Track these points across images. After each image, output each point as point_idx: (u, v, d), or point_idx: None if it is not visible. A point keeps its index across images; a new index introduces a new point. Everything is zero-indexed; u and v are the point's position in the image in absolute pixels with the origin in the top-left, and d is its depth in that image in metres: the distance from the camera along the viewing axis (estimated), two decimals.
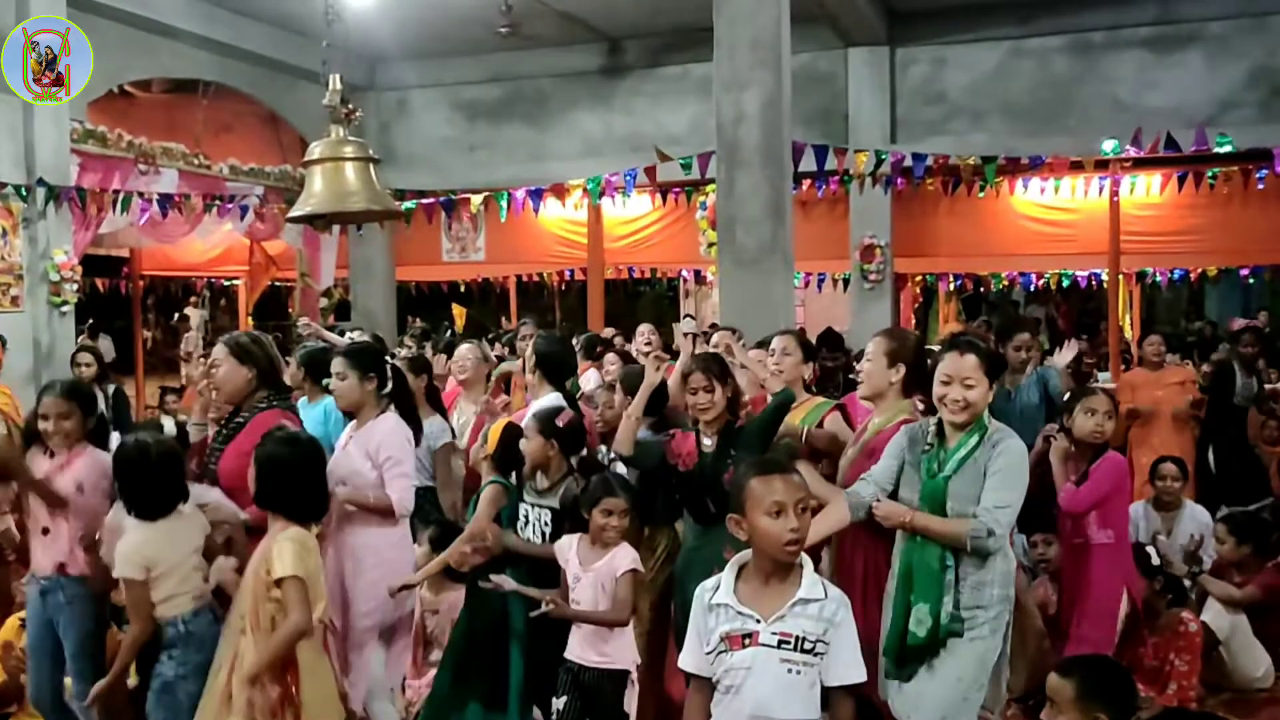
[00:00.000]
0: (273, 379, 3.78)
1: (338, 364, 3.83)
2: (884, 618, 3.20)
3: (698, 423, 3.82)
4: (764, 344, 4.56)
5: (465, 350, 5.25)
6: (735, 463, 3.64)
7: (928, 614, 3.03)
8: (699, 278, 13.14)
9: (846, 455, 3.71)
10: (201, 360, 4.44)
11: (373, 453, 3.68)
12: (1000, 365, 3.37)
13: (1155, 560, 4.39)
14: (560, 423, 3.72)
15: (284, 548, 3.00)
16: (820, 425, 3.96)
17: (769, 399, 3.81)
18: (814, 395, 4.28)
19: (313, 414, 4.77)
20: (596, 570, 3.43)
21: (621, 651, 3.43)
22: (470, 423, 5.05)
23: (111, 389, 6.93)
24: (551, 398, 4.12)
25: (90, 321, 12.42)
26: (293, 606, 2.98)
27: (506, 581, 3.55)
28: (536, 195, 8.17)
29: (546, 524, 3.71)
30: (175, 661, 3.22)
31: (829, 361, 5.96)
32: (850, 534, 3.55)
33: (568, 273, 12.59)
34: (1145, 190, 9.22)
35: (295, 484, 3.12)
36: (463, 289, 13.74)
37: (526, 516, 3.77)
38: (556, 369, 4.30)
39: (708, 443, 3.76)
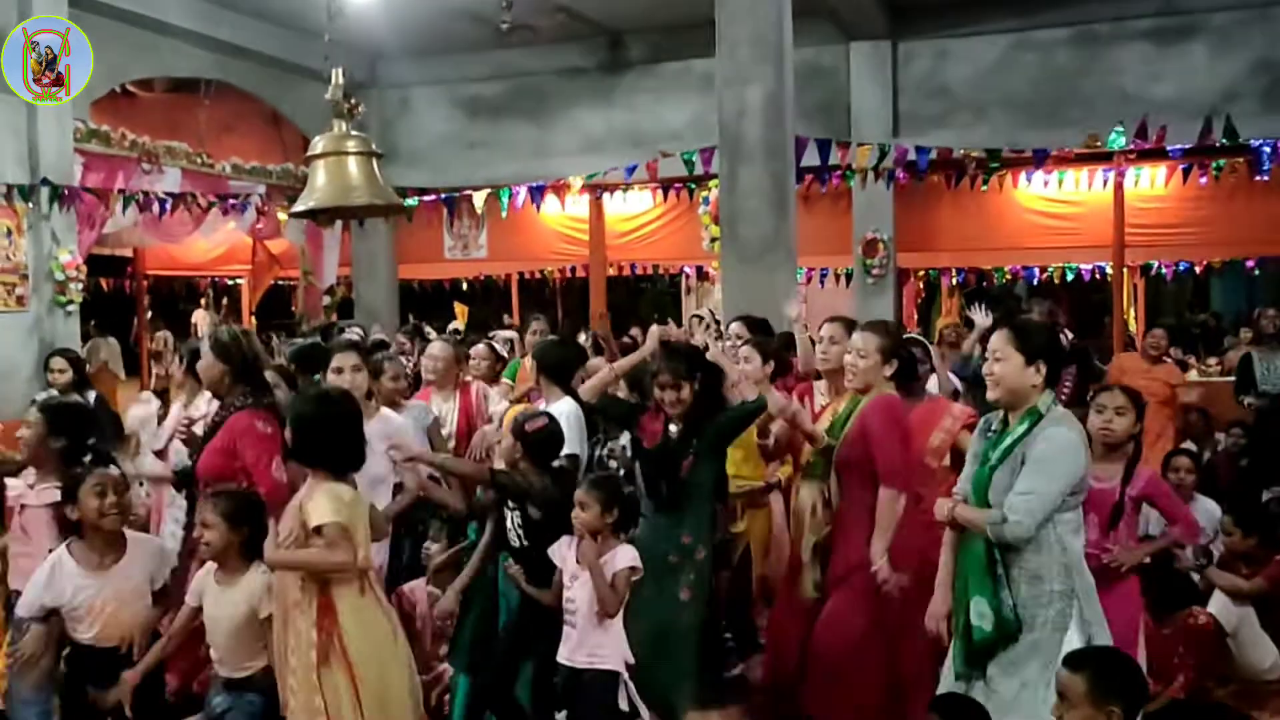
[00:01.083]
0: (250, 376, 3.82)
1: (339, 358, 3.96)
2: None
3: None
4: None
5: (438, 349, 5.20)
6: (696, 454, 3.72)
7: (988, 607, 2.90)
8: (701, 274, 13.13)
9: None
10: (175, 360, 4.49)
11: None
12: (1048, 342, 3.07)
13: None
14: (529, 429, 3.69)
15: (318, 500, 3.03)
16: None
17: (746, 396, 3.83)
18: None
19: None
20: (593, 571, 3.40)
21: (610, 650, 3.38)
22: (451, 414, 5.05)
23: (92, 395, 6.42)
24: (564, 404, 4.14)
25: (93, 321, 12.41)
26: (333, 545, 2.98)
27: (518, 573, 3.57)
28: (538, 192, 8.18)
29: (519, 525, 3.67)
30: None
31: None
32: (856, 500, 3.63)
33: (570, 270, 12.59)
34: (1150, 182, 9.19)
35: (330, 439, 3.15)
36: (465, 286, 13.74)
37: (508, 519, 3.73)
38: (560, 371, 4.31)
39: (674, 429, 3.80)
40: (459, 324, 9.87)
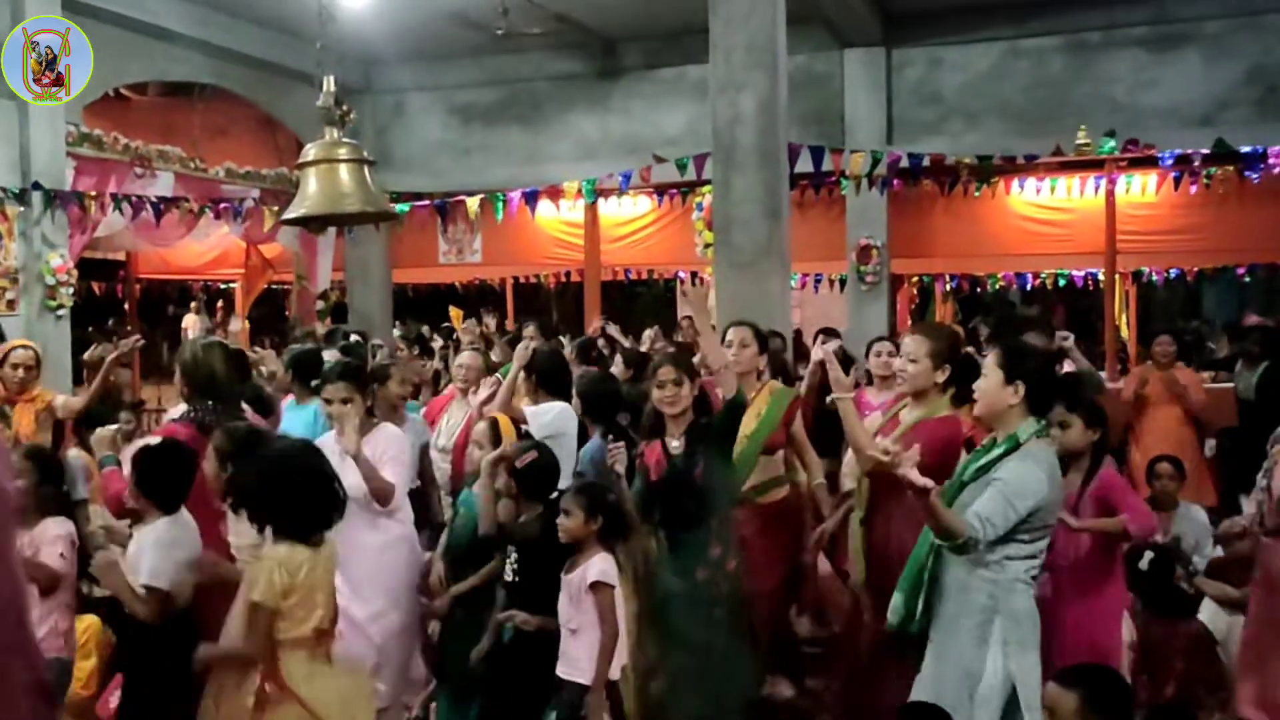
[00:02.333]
0: (206, 391, 3.83)
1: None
2: None
3: (660, 430, 3.80)
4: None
5: (468, 358, 5.27)
6: (705, 458, 3.68)
7: (901, 604, 3.06)
8: (695, 279, 13.14)
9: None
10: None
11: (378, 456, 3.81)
12: (1035, 368, 3.08)
13: (1144, 564, 4.35)
14: (519, 465, 3.64)
15: (255, 571, 2.89)
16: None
17: (722, 398, 3.80)
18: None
19: (301, 416, 4.79)
20: (568, 580, 3.39)
21: (583, 662, 3.35)
22: (460, 424, 5.05)
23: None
24: (554, 405, 4.13)
25: (91, 328, 12.39)
26: (244, 632, 2.87)
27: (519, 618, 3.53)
28: (532, 197, 8.17)
29: (514, 562, 3.63)
30: None
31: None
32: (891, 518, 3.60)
33: (564, 274, 12.60)
34: (1141, 189, 9.24)
35: (282, 498, 2.91)
36: (460, 291, 13.74)
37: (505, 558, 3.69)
38: (553, 380, 4.33)
39: (675, 444, 3.74)
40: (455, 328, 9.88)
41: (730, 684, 3.60)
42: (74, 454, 5.08)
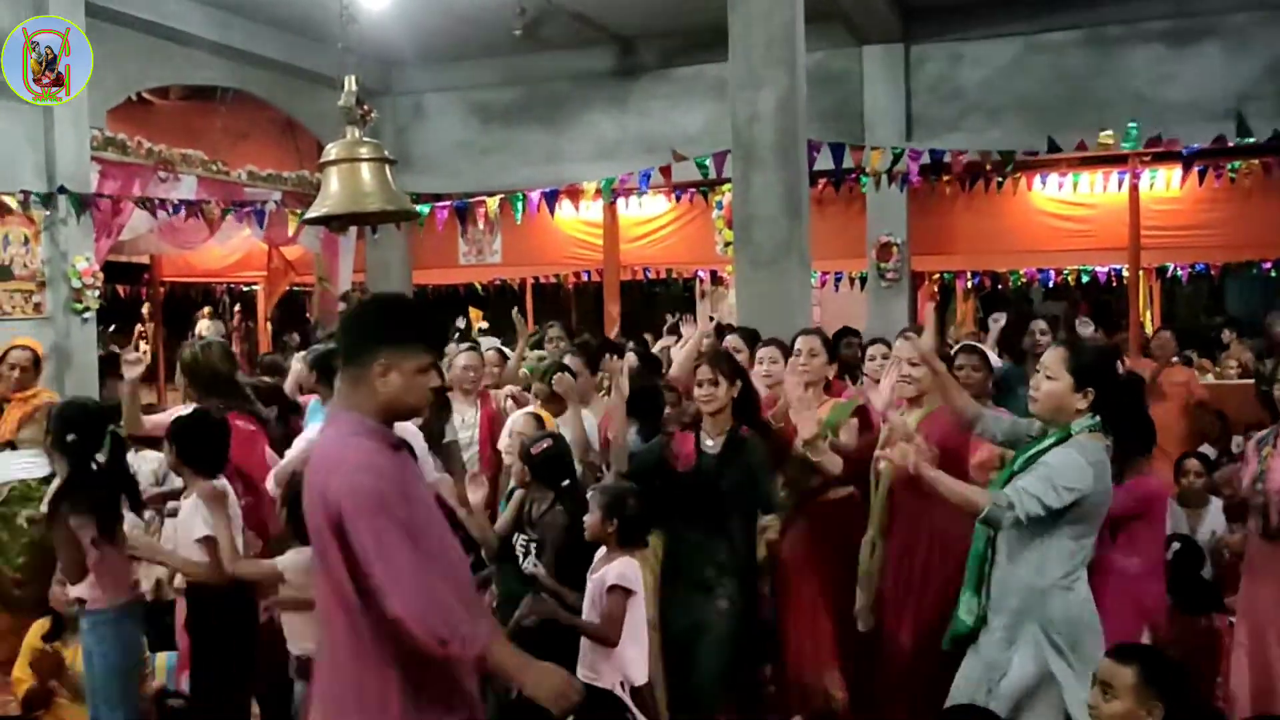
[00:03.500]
0: (213, 388, 3.98)
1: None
2: None
3: (697, 425, 3.79)
4: (773, 342, 4.60)
5: (491, 356, 5.31)
6: (737, 472, 3.63)
7: (974, 603, 3.03)
8: (715, 278, 13.12)
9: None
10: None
11: None
12: (1104, 370, 3.11)
13: (1170, 555, 4.30)
14: (534, 451, 3.66)
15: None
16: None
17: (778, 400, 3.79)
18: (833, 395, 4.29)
19: (325, 415, 4.82)
20: (592, 581, 3.39)
21: (607, 668, 3.33)
22: (475, 422, 5.08)
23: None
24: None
25: (112, 327, 12.49)
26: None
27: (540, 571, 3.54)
28: (552, 197, 8.19)
29: (530, 552, 3.64)
30: None
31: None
32: (915, 519, 3.58)
33: (584, 274, 12.60)
34: (1165, 184, 9.15)
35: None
36: (480, 291, 13.76)
37: (525, 549, 3.69)
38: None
39: (710, 443, 3.71)
40: (477, 326, 9.90)
41: (709, 676, 3.61)
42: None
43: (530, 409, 4.30)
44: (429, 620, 2.06)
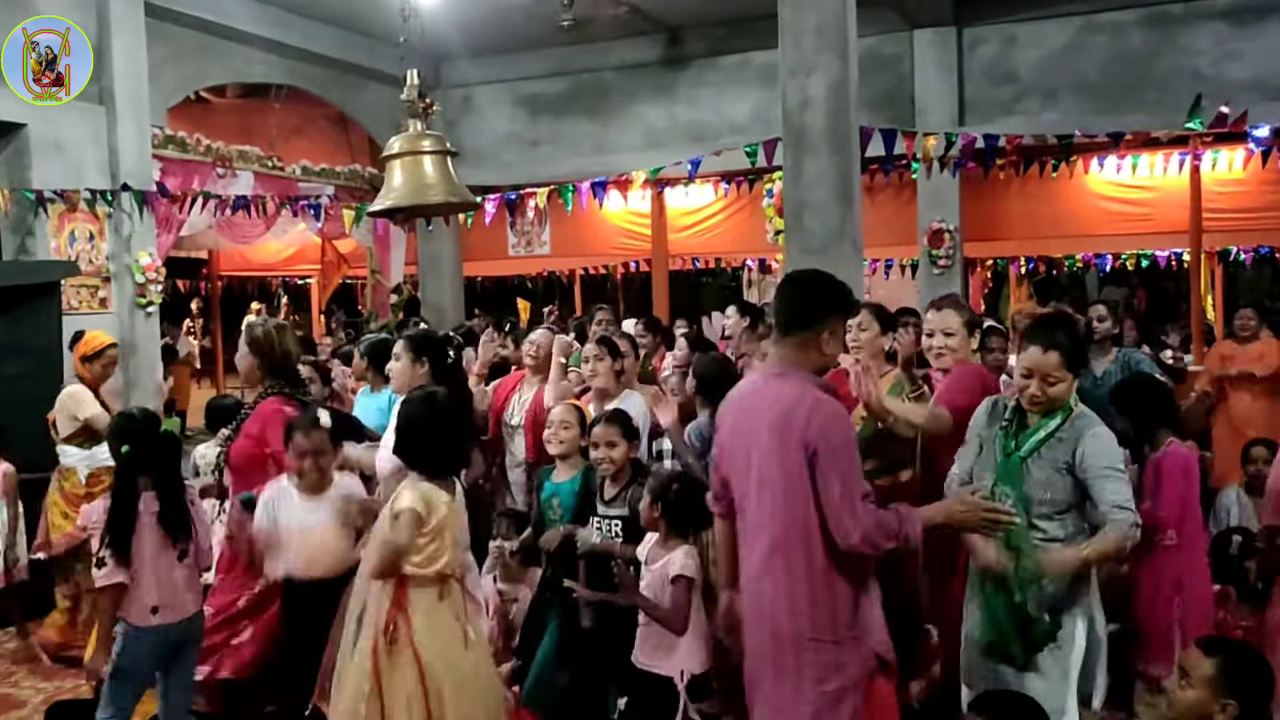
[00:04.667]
0: (280, 370, 3.97)
1: (396, 346, 4.01)
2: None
3: None
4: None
5: (540, 336, 5.32)
6: None
7: (1037, 594, 2.98)
8: (763, 266, 13.07)
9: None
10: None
11: None
12: (1082, 356, 3.28)
13: (1234, 548, 4.22)
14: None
15: (404, 493, 3.07)
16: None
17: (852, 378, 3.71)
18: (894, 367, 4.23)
19: (376, 402, 4.91)
20: (654, 571, 3.41)
21: (666, 657, 3.35)
22: (529, 400, 5.12)
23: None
24: (634, 398, 4.21)
25: (166, 321, 12.75)
26: (396, 526, 3.00)
27: (584, 592, 3.59)
28: (600, 188, 8.20)
29: (617, 535, 3.68)
30: None
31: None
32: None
33: (633, 265, 12.63)
34: (1227, 166, 8.93)
35: (433, 441, 3.17)
36: (528, 283, 13.86)
37: (600, 529, 3.73)
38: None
39: None
40: (521, 321, 9.99)
41: None
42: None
43: (570, 401, 4.34)
44: (874, 537, 2.60)
